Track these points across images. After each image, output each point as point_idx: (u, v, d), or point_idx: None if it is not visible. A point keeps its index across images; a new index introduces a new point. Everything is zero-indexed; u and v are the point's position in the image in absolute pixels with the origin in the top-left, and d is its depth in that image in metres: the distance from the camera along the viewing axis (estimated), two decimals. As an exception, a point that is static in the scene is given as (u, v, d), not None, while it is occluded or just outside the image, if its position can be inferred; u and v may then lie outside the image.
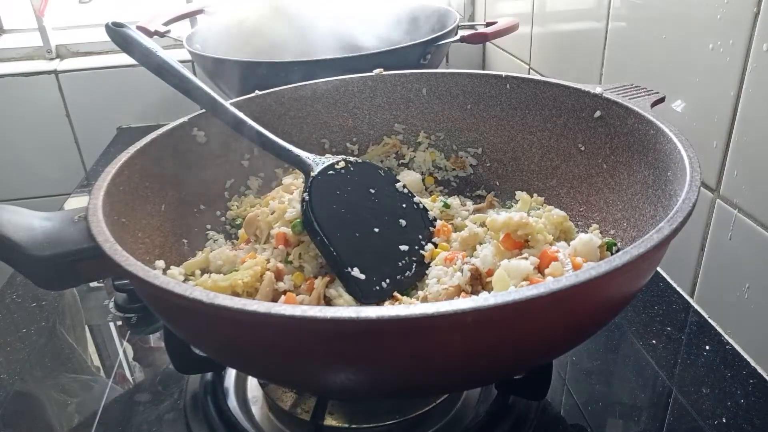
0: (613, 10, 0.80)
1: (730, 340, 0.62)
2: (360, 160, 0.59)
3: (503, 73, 0.68)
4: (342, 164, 0.57)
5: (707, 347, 0.62)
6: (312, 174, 0.55)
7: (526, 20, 1.06)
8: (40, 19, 1.29)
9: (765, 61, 0.55)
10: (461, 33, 0.97)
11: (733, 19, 0.57)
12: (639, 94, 0.58)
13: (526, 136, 0.67)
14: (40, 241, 0.43)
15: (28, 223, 0.44)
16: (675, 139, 0.49)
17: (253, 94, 0.68)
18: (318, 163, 0.56)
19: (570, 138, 0.62)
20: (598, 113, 0.59)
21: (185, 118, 0.62)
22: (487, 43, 1.32)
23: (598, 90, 0.59)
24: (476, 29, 0.99)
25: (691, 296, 0.69)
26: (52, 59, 1.31)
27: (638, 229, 0.52)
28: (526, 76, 0.67)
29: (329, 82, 0.72)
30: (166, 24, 1.07)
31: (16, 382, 0.61)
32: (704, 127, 0.62)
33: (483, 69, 1.37)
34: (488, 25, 1.01)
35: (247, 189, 0.68)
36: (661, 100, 0.58)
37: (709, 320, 0.65)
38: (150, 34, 1.05)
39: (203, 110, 0.62)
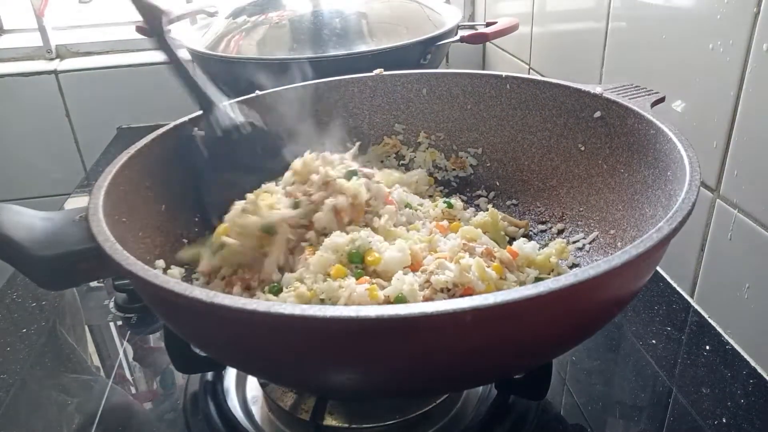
0: (613, 10, 0.80)
1: (730, 340, 0.62)
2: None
3: (503, 73, 0.68)
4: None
5: (707, 347, 0.62)
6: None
7: (526, 20, 1.06)
8: (40, 19, 1.29)
9: (765, 61, 0.55)
10: (461, 33, 0.97)
11: (733, 19, 0.57)
12: (639, 94, 0.58)
13: (526, 136, 0.67)
14: (41, 240, 0.43)
15: (29, 222, 0.44)
16: (675, 139, 0.49)
17: (253, 95, 0.68)
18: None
19: (570, 138, 0.62)
20: (598, 113, 0.59)
21: (185, 118, 0.62)
22: (487, 43, 1.32)
23: (598, 90, 0.59)
24: (476, 29, 0.99)
25: (691, 296, 0.69)
26: (52, 59, 1.31)
27: (638, 229, 0.52)
28: (526, 76, 0.67)
29: (329, 82, 0.72)
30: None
31: (16, 382, 0.61)
32: (704, 127, 0.62)
33: (483, 69, 1.37)
34: (488, 25, 1.01)
35: None
36: (661, 100, 0.58)
37: (709, 320, 0.65)
38: (150, 34, 1.04)
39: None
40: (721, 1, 0.59)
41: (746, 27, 0.56)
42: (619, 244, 0.54)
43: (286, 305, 0.32)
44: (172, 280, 0.36)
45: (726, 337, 0.63)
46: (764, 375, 0.58)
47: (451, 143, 0.72)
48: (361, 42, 0.94)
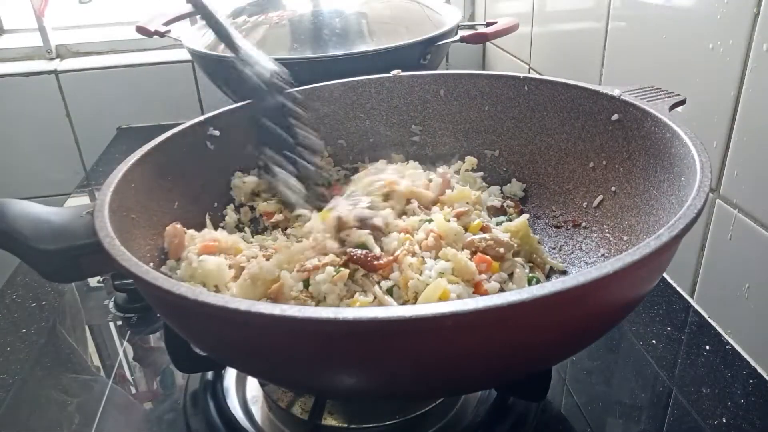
0: (613, 10, 0.80)
1: (730, 340, 0.62)
2: None
3: (521, 75, 0.67)
4: None
5: (707, 347, 0.62)
6: None
7: (526, 20, 1.06)
8: (40, 19, 1.29)
9: (765, 61, 0.55)
10: (461, 33, 0.97)
11: (733, 19, 0.57)
12: (658, 97, 0.56)
13: (544, 138, 0.66)
14: (47, 234, 0.44)
15: (36, 216, 0.45)
16: (689, 143, 0.48)
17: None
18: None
19: (587, 141, 0.62)
20: (615, 116, 0.58)
21: (201, 117, 0.62)
22: (487, 43, 1.32)
23: (616, 92, 0.58)
24: (476, 29, 0.98)
25: (691, 296, 0.69)
26: (52, 59, 1.31)
27: (651, 236, 0.51)
28: (545, 77, 0.66)
29: (346, 83, 0.71)
30: (166, 24, 1.07)
31: (16, 382, 0.61)
32: (704, 127, 0.62)
33: (483, 69, 1.37)
34: (488, 25, 1.00)
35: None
36: (681, 102, 0.56)
37: (709, 320, 0.65)
38: (150, 34, 1.04)
39: (219, 110, 0.63)
40: (721, 1, 0.59)
41: (746, 27, 0.56)
42: (632, 250, 0.53)
43: (266, 305, 0.32)
44: (161, 276, 0.36)
45: (726, 337, 0.63)
46: (764, 375, 0.58)
47: (467, 145, 0.72)
48: (361, 42, 0.94)
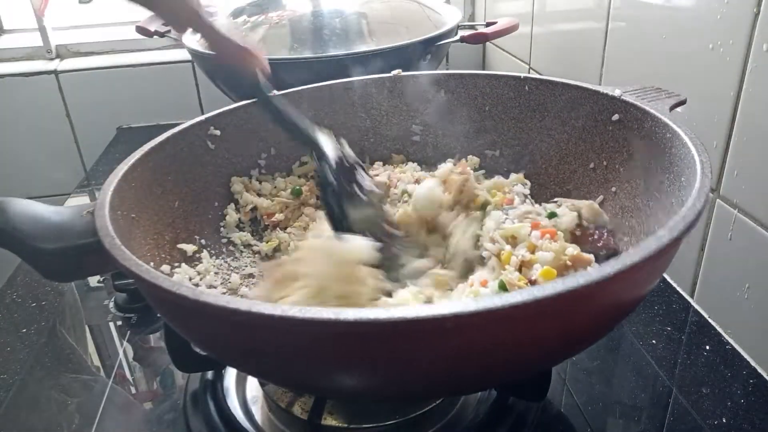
0: (613, 10, 0.80)
1: (730, 340, 0.62)
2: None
3: (522, 75, 0.67)
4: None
5: (707, 347, 0.62)
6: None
7: (526, 20, 1.06)
8: (40, 19, 1.29)
9: (765, 61, 0.55)
10: (461, 33, 0.97)
11: (733, 19, 0.57)
12: (658, 97, 0.56)
13: (545, 138, 0.66)
14: (48, 233, 0.44)
15: (37, 215, 0.45)
16: (689, 143, 0.47)
17: (270, 94, 0.68)
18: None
19: (588, 141, 0.62)
20: (616, 116, 0.58)
21: (201, 117, 0.62)
22: (487, 43, 1.32)
23: (617, 92, 0.58)
24: (476, 29, 0.99)
25: (691, 296, 0.69)
26: (52, 59, 1.31)
27: (651, 236, 0.51)
28: (545, 77, 0.66)
29: (347, 82, 0.71)
30: (166, 24, 1.07)
31: (16, 382, 0.61)
32: (704, 127, 0.62)
33: (483, 69, 1.37)
34: (488, 25, 1.01)
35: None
36: (682, 102, 0.56)
37: (709, 320, 0.65)
38: (150, 34, 1.05)
39: (219, 110, 0.63)
40: (721, 1, 0.59)
41: (746, 27, 0.56)
42: (632, 251, 0.53)
43: (266, 304, 0.32)
44: (161, 275, 0.36)
45: (726, 337, 0.63)
46: (764, 375, 0.58)
47: (468, 145, 0.72)
48: (361, 42, 0.94)
